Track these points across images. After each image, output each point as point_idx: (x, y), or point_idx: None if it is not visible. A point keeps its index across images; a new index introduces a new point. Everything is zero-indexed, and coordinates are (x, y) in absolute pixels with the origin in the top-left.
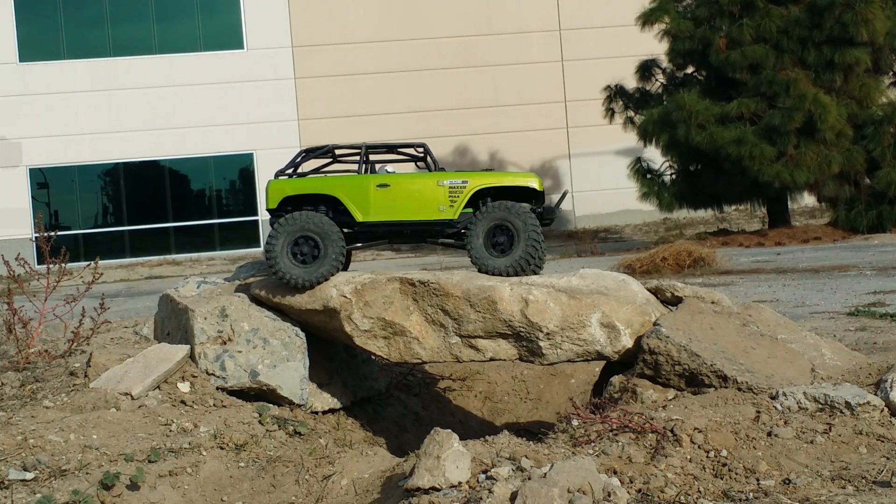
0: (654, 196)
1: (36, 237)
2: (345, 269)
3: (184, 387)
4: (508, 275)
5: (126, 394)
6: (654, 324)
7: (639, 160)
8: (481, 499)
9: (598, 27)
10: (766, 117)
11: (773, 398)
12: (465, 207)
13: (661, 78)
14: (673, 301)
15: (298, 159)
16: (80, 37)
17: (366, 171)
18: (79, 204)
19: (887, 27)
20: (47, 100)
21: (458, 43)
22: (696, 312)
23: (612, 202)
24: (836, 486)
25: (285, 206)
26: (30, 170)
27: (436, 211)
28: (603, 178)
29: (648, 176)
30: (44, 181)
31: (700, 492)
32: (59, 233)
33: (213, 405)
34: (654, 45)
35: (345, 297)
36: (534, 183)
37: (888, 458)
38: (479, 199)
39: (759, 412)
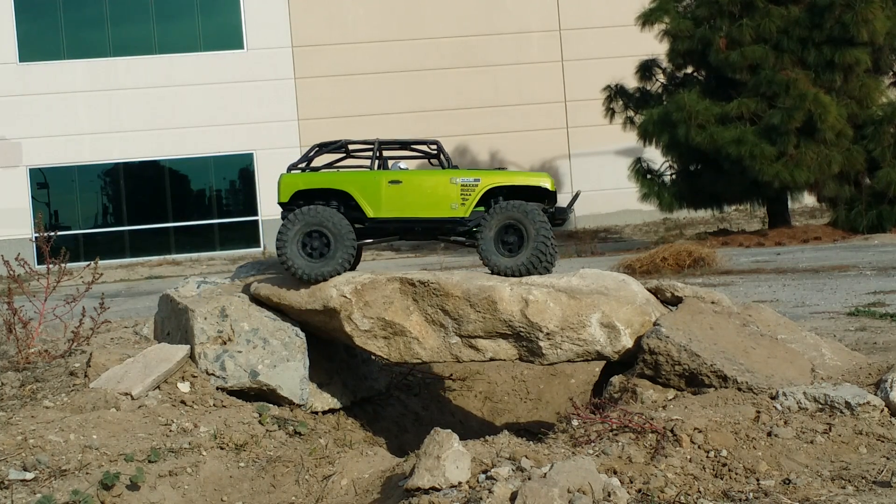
0: (654, 196)
1: (36, 237)
2: (355, 264)
3: (184, 387)
4: (517, 274)
5: (126, 394)
6: (654, 324)
7: (639, 160)
8: (481, 499)
9: (598, 27)
10: (766, 117)
11: (773, 398)
12: (476, 206)
13: (661, 78)
14: (673, 301)
15: (311, 153)
16: (80, 37)
17: (379, 167)
18: (79, 204)
19: (887, 27)
20: (47, 100)
21: (458, 43)
22: (696, 312)
23: (612, 202)
24: (836, 486)
25: (297, 201)
26: (30, 170)
27: (447, 209)
28: (603, 178)
29: (648, 176)
30: (44, 181)
31: (700, 492)
32: (59, 233)
33: (213, 405)
34: (654, 45)
35: (345, 297)
36: (546, 183)
37: (888, 458)
38: (491, 197)
39: (759, 412)
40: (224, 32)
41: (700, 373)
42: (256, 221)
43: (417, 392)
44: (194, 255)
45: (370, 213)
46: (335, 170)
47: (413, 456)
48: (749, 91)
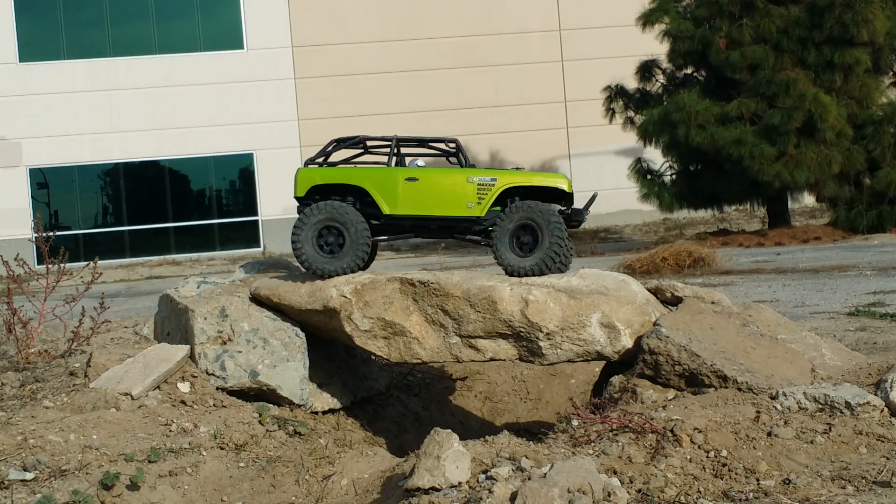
0: (654, 196)
1: (35, 237)
2: (370, 261)
3: (184, 387)
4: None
5: (126, 394)
6: (654, 324)
7: (639, 160)
8: (481, 499)
9: (598, 27)
10: (766, 117)
11: (773, 398)
12: (493, 206)
13: (661, 78)
14: (673, 301)
15: (329, 148)
16: (80, 37)
17: (396, 164)
18: (79, 204)
19: (887, 27)
20: (47, 100)
21: (458, 43)
22: (696, 312)
23: (612, 202)
24: (836, 486)
25: (313, 195)
26: (30, 170)
27: (464, 207)
28: (603, 178)
29: (649, 176)
30: (44, 181)
31: (700, 492)
32: (59, 233)
33: (213, 405)
34: (654, 45)
35: (345, 297)
36: (563, 184)
37: (888, 458)
38: (508, 197)
39: (759, 412)
40: (224, 32)
41: (700, 373)
42: (256, 221)
43: (417, 392)
44: (194, 256)
45: (386, 210)
46: (353, 165)
47: (413, 456)
48: (749, 91)
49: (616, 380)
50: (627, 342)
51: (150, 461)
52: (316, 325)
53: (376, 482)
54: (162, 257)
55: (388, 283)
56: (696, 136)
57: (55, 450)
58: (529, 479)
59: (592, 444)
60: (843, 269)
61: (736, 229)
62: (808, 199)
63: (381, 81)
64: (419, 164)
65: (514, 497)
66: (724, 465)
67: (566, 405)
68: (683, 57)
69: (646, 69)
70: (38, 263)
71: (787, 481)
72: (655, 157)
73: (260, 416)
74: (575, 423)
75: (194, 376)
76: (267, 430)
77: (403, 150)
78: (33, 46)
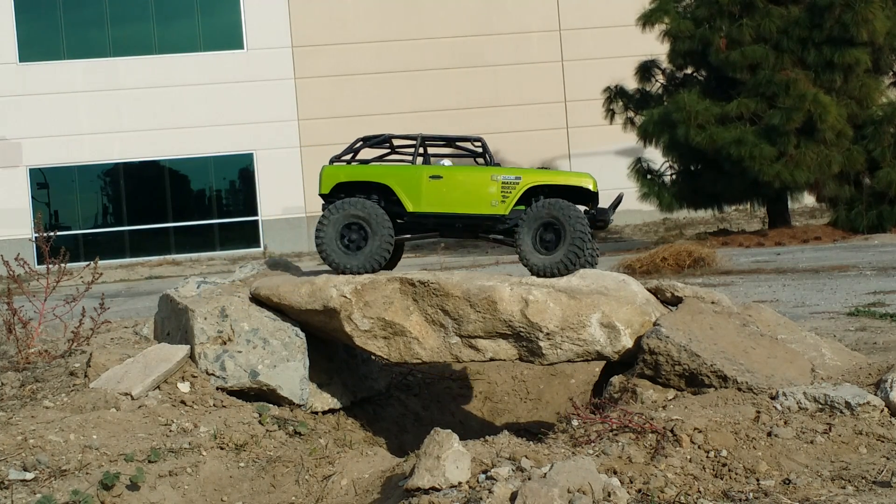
0: (654, 196)
1: (35, 237)
2: (395, 261)
3: (184, 387)
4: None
5: (126, 394)
6: (654, 324)
7: (639, 160)
8: (481, 499)
9: (598, 27)
10: (765, 117)
11: (773, 398)
12: (517, 204)
13: (661, 78)
14: (673, 301)
15: (356, 146)
16: (80, 37)
17: (422, 162)
18: (79, 204)
19: (887, 27)
20: (47, 100)
21: (458, 43)
22: (696, 312)
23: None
24: (836, 486)
25: (338, 193)
26: (30, 170)
27: (488, 206)
28: (603, 178)
29: (649, 176)
30: (44, 181)
31: (700, 492)
32: (59, 233)
33: (213, 405)
34: (654, 45)
35: (345, 297)
36: (588, 184)
37: (888, 458)
38: (532, 196)
39: (759, 412)
40: (224, 32)
41: (700, 373)
42: (256, 221)
43: (417, 392)
44: (194, 256)
45: (410, 208)
46: (379, 163)
47: (413, 456)
48: (749, 91)
49: (616, 380)
50: (627, 342)
51: (150, 461)
52: (316, 326)
53: (376, 482)
54: (162, 257)
55: (388, 284)
56: (696, 137)
57: (55, 450)
58: (529, 479)
59: (592, 444)
60: (843, 269)
61: (736, 229)
62: (808, 199)
63: (381, 81)
64: (445, 163)
65: (514, 497)
66: (724, 465)
67: (566, 405)
68: (683, 57)
69: (646, 69)
70: (39, 263)
71: (787, 481)
72: (655, 157)
73: (260, 416)
74: (575, 423)
75: (194, 376)
76: (267, 430)
77: (429, 150)
78: (33, 46)
